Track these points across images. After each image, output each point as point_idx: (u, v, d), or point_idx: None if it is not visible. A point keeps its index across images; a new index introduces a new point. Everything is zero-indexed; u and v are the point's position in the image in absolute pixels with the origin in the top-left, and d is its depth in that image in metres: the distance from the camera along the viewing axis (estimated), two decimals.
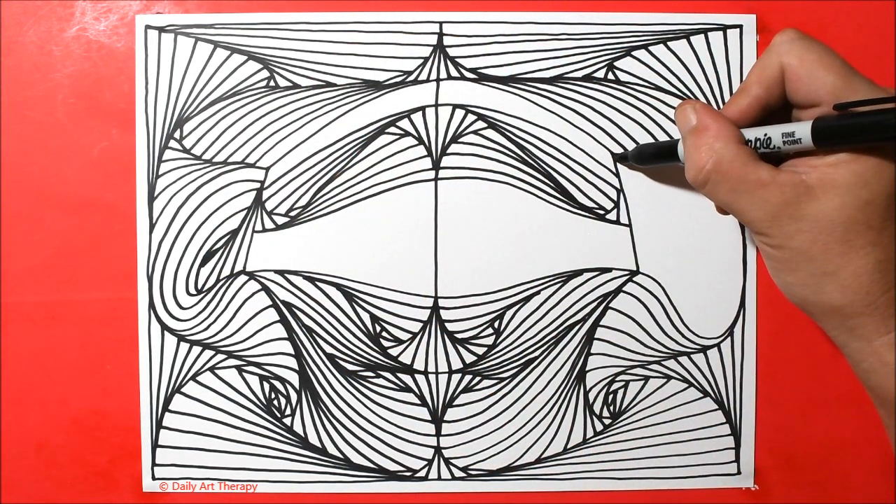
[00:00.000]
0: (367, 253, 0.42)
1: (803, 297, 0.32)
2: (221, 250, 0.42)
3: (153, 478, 0.42)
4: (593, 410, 0.43)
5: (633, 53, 0.41)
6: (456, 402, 0.42)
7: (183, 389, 0.42)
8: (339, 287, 0.42)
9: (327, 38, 0.41)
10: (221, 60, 0.41)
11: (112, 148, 0.41)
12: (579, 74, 0.41)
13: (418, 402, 0.42)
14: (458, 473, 0.43)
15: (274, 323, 0.42)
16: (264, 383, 0.42)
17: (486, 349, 0.42)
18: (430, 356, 0.42)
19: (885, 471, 0.43)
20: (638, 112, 0.42)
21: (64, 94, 0.41)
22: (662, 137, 0.42)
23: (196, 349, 0.42)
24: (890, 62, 0.41)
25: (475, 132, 0.42)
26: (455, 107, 0.42)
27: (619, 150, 0.42)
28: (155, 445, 0.42)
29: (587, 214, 0.42)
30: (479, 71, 0.41)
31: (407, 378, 0.42)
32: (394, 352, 0.42)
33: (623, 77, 0.42)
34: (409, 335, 0.42)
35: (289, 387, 0.42)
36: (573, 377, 0.42)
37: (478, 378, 0.42)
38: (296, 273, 0.42)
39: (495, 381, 0.42)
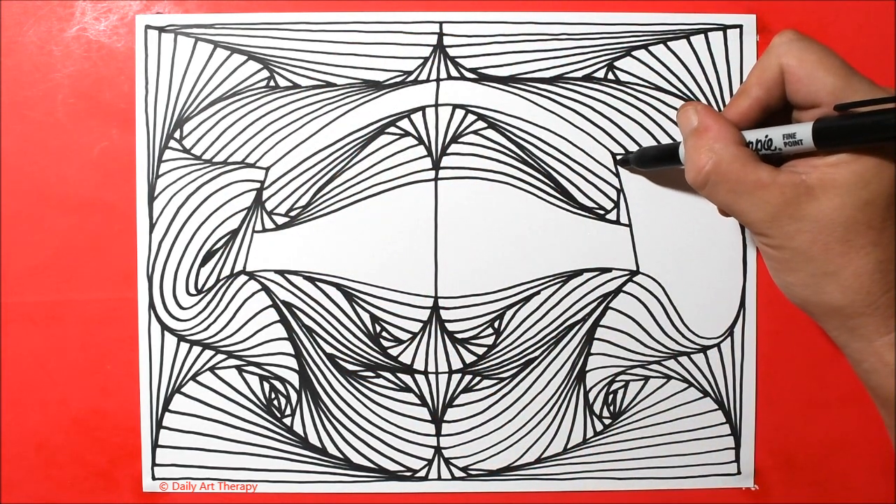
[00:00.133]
0: (367, 253, 0.42)
1: (804, 297, 0.32)
2: (221, 250, 0.42)
3: (153, 478, 0.42)
4: (593, 410, 0.43)
5: (633, 53, 0.41)
6: (456, 402, 0.42)
7: (183, 389, 0.42)
8: (339, 287, 0.42)
9: (327, 38, 0.41)
10: (221, 60, 0.41)
11: (112, 148, 0.41)
12: (579, 74, 0.41)
13: (418, 402, 0.42)
14: (458, 473, 0.43)
15: (274, 323, 0.42)
16: (264, 383, 0.42)
17: (486, 349, 0.42)
18: (430, 356, 0.42)
19: (885, 471, 0.43)
20: (638, 112, 0.42)
21: (64, 94, 0.41)
22: (663, 137, 0.42)
23: (196, 349, 0.42)
24: (890, 62, 0.41)
25: (475, 132, 0.42)
26: (455, 107, 0.42)
27: (619, 150, 0.42)
28: (155, 445, 0.42)
29: (587, 214, 0.42)
30: (479, 71, 0.41)
31: (407, 378, 0.42)
32: (394, 352, 0.42)
33: (623, 77, 0.42)
34: (409, 335, 0.42)
35: (289, 387, 0.42)
36: (573, 377, 0.42)
37: (478, 378, 0.42)
38: (296, 273, 0.42)
39: (495, 381, 0.42)
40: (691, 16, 0.41)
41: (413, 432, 0.42)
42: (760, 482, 0.43)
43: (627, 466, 0.43)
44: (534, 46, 0.41)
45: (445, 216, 0.42)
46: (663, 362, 0.42)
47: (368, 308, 0.42)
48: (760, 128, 0.32)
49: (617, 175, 0.42)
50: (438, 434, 0.42)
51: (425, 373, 0.42)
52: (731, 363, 0.42)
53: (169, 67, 0.41)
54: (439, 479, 0.42)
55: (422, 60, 0.41)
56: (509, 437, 0.43)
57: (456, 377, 0.42)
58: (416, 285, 0.42)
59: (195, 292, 0.42)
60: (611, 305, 0.42)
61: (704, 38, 0.41)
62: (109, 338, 0.42)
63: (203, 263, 0.42)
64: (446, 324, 0.42)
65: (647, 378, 0.42)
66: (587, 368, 0.42)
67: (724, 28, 0.41)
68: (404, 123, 0.41)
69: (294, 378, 0.42)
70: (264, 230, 0.42)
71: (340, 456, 0.42)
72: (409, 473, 0.43)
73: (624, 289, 0.42)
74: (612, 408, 0.43)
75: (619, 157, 0.41)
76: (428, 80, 0.41)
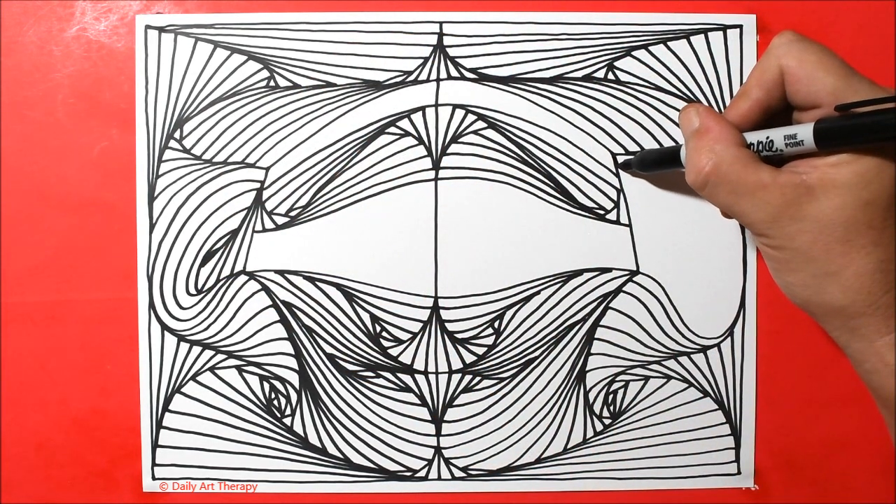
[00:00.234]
0: (367, 253, 0.42)
1: (805, 297, 0.32)
2: (221, 250, 0.42)
3: (153, 478, 0.42)
4: (593, 410, 0.43)
5: (633, 53, 0.41)
6: (456, 402, 0.42)
7: (183, 389, 0.42)
8: (339, 287, 0.42)
9: (327, 38, 0.41)
10: (221, 60, 0.41)
11: (112, 148, 0.41)
12: (579, 74, 0.41)
13: (418, 402, 0.42)
14: (458, 473, 0.43)
15: (274, 323, 0.42)
16: (264, 383, 0.42)
17: (486, 349, 0.42)
18: (430, 356, 0.42)
19: (885, 471, 0.43)
20: (638, 112, 0.42)
21: (64, 94, 0.41)
22: (663, 137, 0.42)
23: (196, 349, 0.42)
24: (890, 62, 0.41)
25: (475, 132, 0.42)
26: (455, 107, 0.42)
27: (619, 150, 0.42)
28: (155, 445, 0.42)
29: (587, 214, 0.42)
30: (479, 71, 0.41)
31: (407, 378, 0.42)
32: (394, 352, 0.42)
33: (623, 77, 0.42)
34: (409, 335, 0.42)
35: (289, 387, 0.42)
36: (573, 377, 0.42)
37: (478, 378, 0.42)
38: (296, 273, 0.42)
39: (495, 381, 0.42)
40: (691, 16, 0.41)
41: (413, 432, 0.42)
42: (760, 482, 0.43)
43: (627, 466, 0.43)
44: (534, 46, 0.41)
45: (445, 216, 0.42)
46: (663, 362, 0.42)
47: (368, 308, 0.42)
48: (761, 129, 0.32)
49: (617, 175, 0.42)
50: (438, 434, 0.42)
51: (425, 373, 0.42)
52: (731, 363, 0.42)
53: (169, 67, 0.41)
54: (439, 479, 0.42)
55: (422, 60, 0.41)
56: (509, 437, 0.43)
57: (456, 377, 0.42)
58: (416, 285, 0.42)
59: (195, 292, 0.42)
60: (611, 305, 0.42)
61: (704, 38, 0.41)
62: (109, 338, 0.42)
63: (203, 263, 0.42)
64: (446, 324, 0.42)
65: (647, 378, 0.42)
66: (587, 368, 0.42)
67: (724, 28, 0.41)
68: (404, 123, 0.41)
69: (294, 378, 0.42)
70: (264, 230, 0.42)
71: (340, 456, 0.42)
72: (409, 473, 0.43)
73: (624, 289, 0.42)
74: (612, 408, 0.43)
75: (620, 162, 0.41)
76: (428, 80, 0.41)
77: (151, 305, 0.42)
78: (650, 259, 0.42)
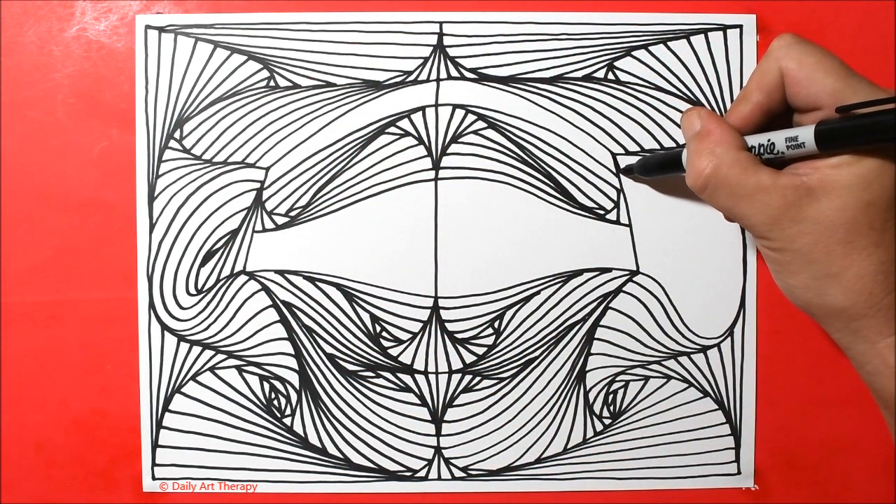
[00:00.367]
0: (367, 253, 0.42)
1: (806, 299, 0.31)
2: (221, 250, 0.42)
3: (153, 478, 0.42)
4: (593, 410, 0.43)
5: (633, 53, 0.41)
6: (456, 402, 0.42)
7: (183, 389, 0.42)
8: (339, 287, 0.42)
9: (327, 38, 0.41)
10: (221, 60, 0.41)
11: (112, 148, 0.41)
12: (579, 74, 0.41)
13: (418, 402, 0.42)
14: (458, 473, 0.43)
15: (274, 323, 0.42)
16: (264, 383, 0.42)
17: (486, 349, 0.42)
18: (430, 356, 0.42)
19: (885, 471, 0.43)
20: (638, 112, 0.42)
21: (64, 94, 0.41)
22: (663, 138, 0.42)
23: (196, 349, 0.42)
24: (890, 62, 0.41)
25: (475, 132, 0.42)
26: (455, 107, 0.42)
27: (619, 149, 0.42)
28: (155, 445, 0.42)
29: (587, 214, 0.42)
30: (479, 71, 0.41)
31: (407, 378, 0.42)
32: (394, 352, 0.42)
33: (623, 77, 0.42)
34: (409, 335, 0.42)
35: (289, 387, 0.42)
36: (573, 377, 0.42)
37: (478, 378, 0.42)
38: (296, 273, 0.42)
39: (495, 381, 0.42)
40: (691, 16, 0.41)
41: (413, 432, 0.42)
42: (760, 482, 0.43)
43: (627, 466, 0.43)
44: (534, 46, 0.41)
45: (445, 216, 0.42)
46: (663, 362, 0.42)
47: (368, 308, 0.42)
48: (763, 132, 0.32)
49: (617, 175, 0.42)
50: (438, 434, 0.42)
51: (425, 373, 0.42)
52: (731, 363, 0.42)
53: (169, 67, 0.41)
54: (439, 479, 0.42)
55: (422, 60, 0.41)
56: (509, 437, 0.43)
57: (456, 377, 0.42)
58: (416, 285, 0.42)
59: (195, 292, 0.42)
60: (611, 305, 0.42)
61: (704, 38, 0.41)
62: (109, 338, 0.42)
63: (203, 263, 0.42)
64: (446, 324, 0.42)
65: (647, 378, 0.42)
66: (587, 368, 0.42)
67: (724, 28, 0.41)
68: (404, 123, 0.41)
69: (294, 378, 0.42)
70: (264, 230, 0.42)
71: (340, 456, 0.42)
72: (409, 473, 0.43)
73: (624, 289, 0.42)
74: (612, 408, 0.43)
75: (622, 168, 0.41)
76: (428, 80, 0.41)
77: (151, 305, 0.42)
78: (650, 259, 0.42)
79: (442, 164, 0.42)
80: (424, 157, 0.42)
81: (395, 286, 0.42)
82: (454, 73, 0.41)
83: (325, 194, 0.42)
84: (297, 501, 0.42)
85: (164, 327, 0.42)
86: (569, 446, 0.43)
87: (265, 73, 0.41)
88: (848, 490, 0.43)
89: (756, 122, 0.33)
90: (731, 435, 0.43)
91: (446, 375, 0.42)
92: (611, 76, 0.42)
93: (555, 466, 0.43)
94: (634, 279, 0.42)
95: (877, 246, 0.29)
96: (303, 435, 0.42)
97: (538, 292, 0.42)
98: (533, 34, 0.41)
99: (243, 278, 0.42)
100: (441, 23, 0.41)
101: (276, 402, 0.42)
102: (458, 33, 0.41)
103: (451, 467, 0.43)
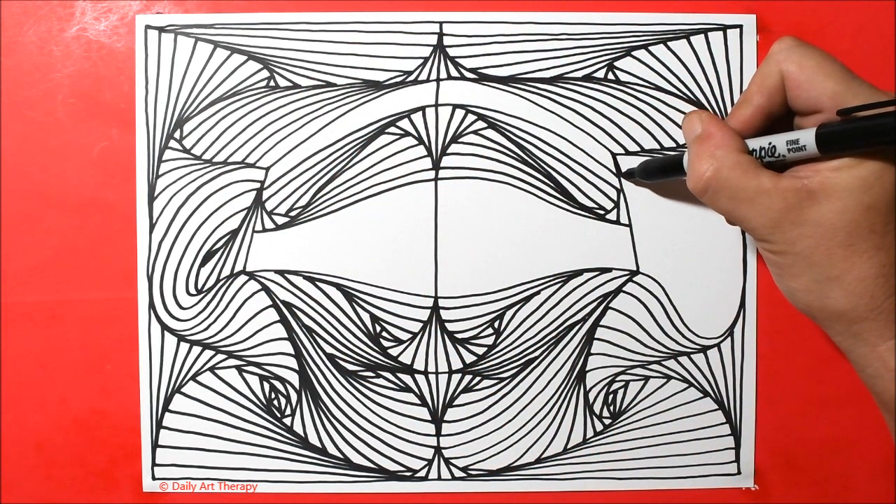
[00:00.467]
0: (367, 253, 0.42)
1: (807, 302, 0.31)
2: (221, 250, 0.42)
3: (153, 478, 0.42)
4: (593, 410, 0.43)
5: (633, 53, 0.41)
6: (456, 402, 0.42)
7: (183, 389, 0.42)
8: (339, 287, 0.42)
9: (327, 38, 0.41)
10: (221, 60, 0.41)
11: (112, 148, 0.41)
12: (579, 74, 0.41)
13: (418, 402, 0.42)
14: (458, 473, 0.43)
15: (274, 323, 0.42)
16: (264, 383, 0.42)
17: (486, 349, 0.42)
18: (430, 356, 0.42)
19: (885, 471, 0.43)
20: (638, 112, 0.42)
21: (64, 94, 0.41)
22: (663, 138, 0.42)
23: (196, 349, 0.42)
24: (890, 63, 0.41)
25: (475, 132, 0.42)
26: (455, 107, 0.42)
27: (619, 149, 0.42)
28: (155, 445, 0.42)
29: (587, 214, 0.42)
30: (479, 71, 0.41)
31: (407, 378, 0.42)
32: (394, 352, 0.42)
33: (623, 77, 0.42)
34: (409, 335, 0.42)
35: (289, 387, 0.42)
36: (573, 377, 0.42)
37: (478, 378, 0.42)
38: (296, 273, 0.42)
39: (495, 381, 0.42)
40: (691, 16, 0.41)
41: (413, 432, 0.42)
42: (760, 482, 0.43)
43: (627, 466, 0.43)
44: (534, 46, 0.41)
45: (445, 216, 0.42)
46: (663, 362, 0.42)
47: (368, 308, 0.42)
48: (764, 135, 0.32)
49: (617, 175, 0.42)
50: (438, 434, 0.42)
51: (425, 373, 0.42)
52: (731, 363, 0.42)
53: (169, 67, 0.41)
54: (439, 479, 0.42)
55: (422, 60, 0.41)
56: (509, 437, 0.43)
57: (456, 377, 0.42)
58: (416, 285, 0.42)
59: (195, 292, 0.42)
60: (611, 305, 0.42)
61: (704, 38, 0.41)
62: (109, 338, 0.42)
63: (203, 263, 0.42)
64: (446, 324, 0.42)
65: (647, 378, 0.42)
66: (587, 368, 0.42)
67: (724, 28, 0.41)
68: (404, 123, 0.41)
69: (294, 378, 0.42)
70: (264, 230, 0.42)
71: (340, 456, 0.42)
72: (409, 473, 0.43)
73: (624, 289, 0.42)
74: (612, 408, 0.43)
75: (623, 172, 0.42)
76: (428, 80, 0.41)
77: (151, 305, 0.42)
78: (650, 259, 0.42)
79: (442, 164, 0.42)
80: (424, 157, 0.42)
81: (395, 286, 0.42)
82: (454, 73, 0.41)
83: (325, 194, 0.42)
84: (297, 501, 0.42)
85: (164, 327, 0.42)
86: (569, 446, 0.43)
87: (265, 73, 0.41)
88: (848, 490, 0.43)
89: (757, 125, 0.33)
90: (731, 435, 0.43)
91: (446, 375, 0.42)
92: (611, 76, 0.42)
93: (555, 466, 0.43)
94: (634, 279, 0.42)
95: (877, 249, 0.29)
96: (303, 435, 0.42)
97: (538, 292, 0.42)
98: (533, 34, 0.41)
99: (243, 278, 0.42)
100: (441, 23, 0.41)
101: (276, 402, 0.42)
102: (458, 33, 0.41)
103: (451, 467, 0.43)
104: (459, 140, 0.42)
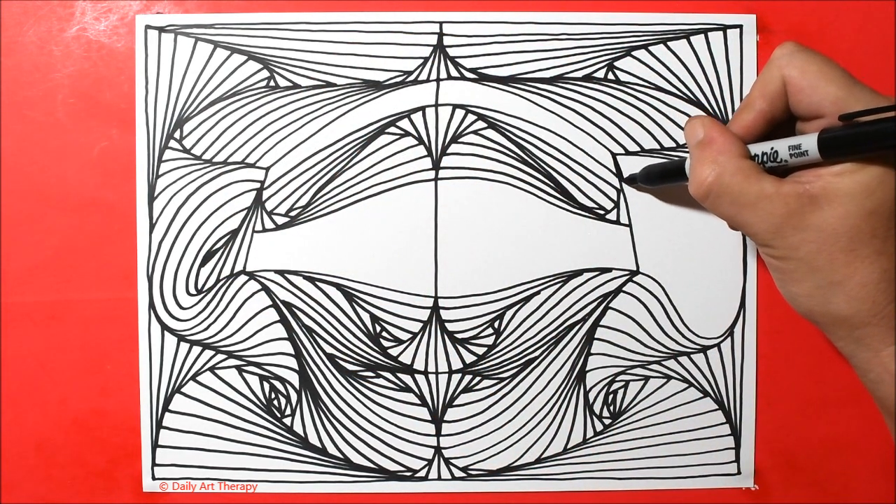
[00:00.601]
0: (367, 253, 0.42)
1: (809, 307, 0.31)
2: (221, 250, 0.42)
3: (153, 478, 0.42)
4: (593, 410, 0.43)
5: (633, 53, 0.41)
6: (456, 402, 0.42)
7: (183, 389, 0.42)
8: (339, 287, 0.42)
9: (327, 38, 0.41)
10: (221, 60, 0.41)
11: (112, 148, 0.41)
12: (579, 74, 0.41)
13: (418, 402, 0.42)
14: (458, 473, 0.43)
15: (274, 323, 0.42)
16: (264, 383, 0.42)
17: (486, 349, 0.42)
18: (430, 356, 0.42)
19: (885, 471, 0.43)
20: (638, 112, 0.42)
21: (64, 94, 0.41)
22: (663, 138, 0.42)
23: (196, 349, 0.42)
24: (890, 63, 0.41)
25: (475, 132, 0.42)
26: (455, 107, 0.42)
27: (619, 149, 0.42)
28: (155, 445, 0.42)
29: (587, 214, 0.42)
30: (479, 71, 0.41)
31: (407, 378, 0.42)
32: (394, 352, 0.42)
33: (623, 77, 0.42)
34: (409, 335, 0.42)
35: (289, 387, 0.42)
36: (573, 377, 0.42)
37: (478, 378, 0.42)
38: (296, 273, 0.42)
39: (495, 381, 0.42)
40: (691, 16, 0.41)
41: (413, 432, 0.42)
42: (760, 482, 0.43)
43: (627, 466, 0.43)
44: (534, 46, 0.41)
45: (445, 216, 0.42)
46: (663, 362, 0.42)
47: (368, 308, 0.42)
48: (766, 140, 0.32)
49: (617, 175, 0.42)
50: (438, 434, 0.42)
51: (425, 373, 0.42)
52: (731, 363, 0.42)
53: (169, 67, 0.41)
54: (439, 479, 0.42)
55: (422, 60, 0.41)
56: (509, 437, 0.43)
57: (456, 377, 0.42)
58: (416, 285, 0.42)
59: (195, 292, 0.42)
60: (611, 305, 0.42)
61: (704, 38, 0.41)
62: (109, 338, 0.42)
63: (203, 263, 0.42)
64: (446, 324, 0.42)
65: (647, 378, 0.42)
66: (587, 368, 0.42)
67: (724, 28, 0.41)
68: (404, 123, 0.41)
69: (294, 378, 0.42)
70: (264, 230, 0.42)
71: (340, 456, 0.42)
72: (409, 473, 0.43)
73: (624, 289, 0.42)
74: (612, 408, 0.43)
75: (625, 177, 0.42)
76: (428, 80, 0.41)
77: (151, 305, 0.42)
78: (650, 259, 0.42)
79: (442, 164, 0.42)
80: (424, 157, 0.42)
81: (395, 286, 0.42)
82: (454, 73, 0.41)
83: (325, 194, 0.42)
84: (297, 501, 0.42)
85: (164, 327, 0.42)
86: (569, 446, 0.43)
87: (265, 73, 0.41)
88: (848, 490, 0.43)
89: (759, 131, 0.33)
90: (731, 435, 0.43)
91: (446, 375, 0.42)
92: (611, 76, 0.42)
93: (555, 466, 0.43)
94: (634, 279, 0.42)
95: (880, 254, 0.29)
96: (303, 435, 0.42)
97: (538, 292, 0.42)
98: (533, 34, 0.41)
99: (243, 278, 0.42)
100: (441, 23, 0.41)
101: (276, 402, 0.42)
102: (458, 33, 0.41)
103: (451, 467, 0.43)
104: (459, 140, 0.42)
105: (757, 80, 0.33)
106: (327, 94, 0.41)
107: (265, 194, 0.42)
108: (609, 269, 0.42)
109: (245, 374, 0.42)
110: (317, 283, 0.42)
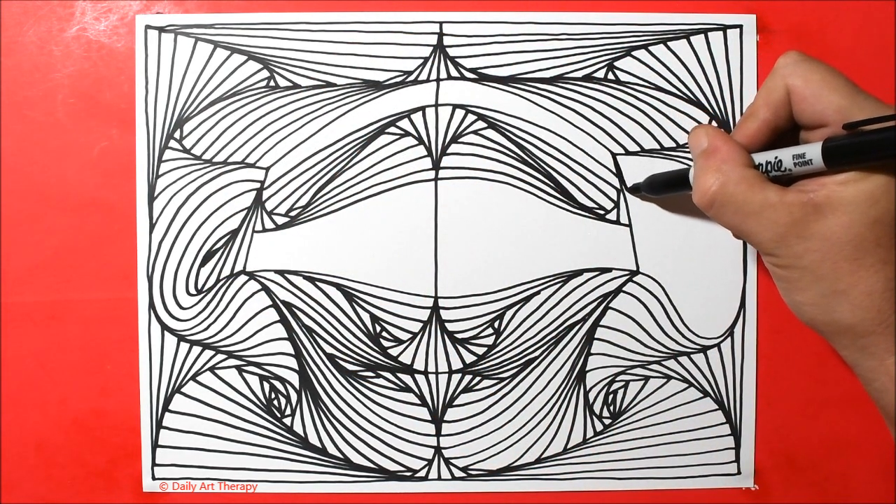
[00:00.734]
0: (367, 253, 0.42)
1: (814, 316, 0.31)
2: (221, 250, 0.42)
3: (153, 478, 0.42)
4: (593, 410, 0.43)
5: (633, 53, 0.41)
6: (456, 402, 0.42)
7: (183, 389, 0.42)
8: (339, 287, 0.42)
9: (327, 38, 0.41)
10: (221, 60, 0.41)
11: (112, 148, 0.41)
12: (579, 74, 0.41)
13: (418, 402, 0.42)
14: (458, 473, 0.43)
15: (274, 323, 0.42)
16: (264, 383, 0.42)
17: (486, 349, 0.42)
18: (430, 356, 0.42)
19: (885, 471, 0.43)
20: (638, 112, 0.42)
21: (64, 94, 0.41)
22: (663, 138, 0.42)
23: (196, 349, 0.42)
24: (890, 63, 0.41)
25: (475, 132, 0.42)
26: (455, 107, 0.42)
27: (619, 149, 0.42)
28: (155, 445, 0.42)
29: (587, 214, 0.42)
30: (479, 71, 0.41)
31: (407, 378, 0.42)
32: (394, 352, 0.42)
33: (623, 77, 0.42)
34: (409, 335, 0.42)
35: (289, 387, 0.42)
36: (573, 377, 0.42)
37: (478, 378, 0.42)
38: (296, 273, 0.42)
39: (495, 381, 0.42)
40: (691, 16, 0.41)
41: (413, 432, 0.42)
42: (760, 482, 0.43)
43: (627, 466, 0.43)
44: (534, 46, 0.41)
45: (445, 216, 0.42)
46: (663, 362, 0.42)
47: (368, 308, 0.42)
48: (770, 149, 0.33)
49: (617, 175, 0.42)
50: (438, 434, 0.42)
51: (425, 373, 0.42)
52: (731, 363, 0.42)
53: (169, 67, 0.41)
54: (439, 479, 0.42)
55: (422, 60, 0.41)
56: (509, 437, 0.43)
57: (456, 377, 0.42)
58: (416, 285, 0.42)
59: (195, 292, 0.42)
60: (611, 305, 0.42)
61: (704, 38, 0.41)
62: (109, 338, 0.42)
63: (203, 263, 0.42)
64: (446, 324, 0.42)
65: (647, 378, 0.42)
66: (587, 368, 0.42)
67: (724, 28, 0.41)
68: (404, 123, 0.41)
69: (294, 378, 0.42)
70: (264, 230, 0.42)
71: (340, 456, 0.42)
72: (409, 473, 0.43)
73: (624, 289, 0.42)
74: (612, 408, 0.43)
75: (629, 186, 0.42)
76: (428, 80, 0.41)
77: (151, 305, 0.42)
78: (650, 259, 0.42)
79: (442, 164, 0.42)
80: (424, 157, 0.42)
81: (395, 286, 0.42)
82: (454, 73, 0.41)
83: (325, 194, 0.42)
84: (297, 501, 0.42)
85: (164, 327, 0.42)
86: (569, 446, 0.43)
87: (265, 73, 0.41)
88: (848, 490, 0.43)
89: (763, 140, 0.33)
90: (731, 435, 0.43)
91: (446, 375, 0.42)
92: (611, 76, 0.42)
93: (555, 466, 0.43)
94: (634, 279, 0.42)
95: (884, 263, 0.29)
96: (303, 435, 0.42)
97: (538, 292, 0.42)
98: (533, 34, 0.41)
99: (243, 278, 0.42)
100: (441, 23, 0.41)
101: (276, 402, 0.42)
102: (458, 33, 0.41)
103: (451, 467, 0.43)
104: (459, 140, 0.42)
105: (760, 89, 0.33)
106: (327, 94, 0.41)
107: (265, 194, 0.42)
108: (609, 269, 0.42)
109: (245, 374, 0.42)
110: (317, 283, 0.42)
